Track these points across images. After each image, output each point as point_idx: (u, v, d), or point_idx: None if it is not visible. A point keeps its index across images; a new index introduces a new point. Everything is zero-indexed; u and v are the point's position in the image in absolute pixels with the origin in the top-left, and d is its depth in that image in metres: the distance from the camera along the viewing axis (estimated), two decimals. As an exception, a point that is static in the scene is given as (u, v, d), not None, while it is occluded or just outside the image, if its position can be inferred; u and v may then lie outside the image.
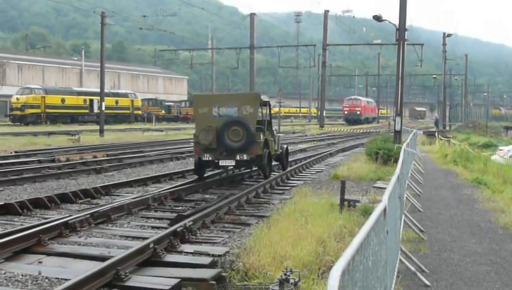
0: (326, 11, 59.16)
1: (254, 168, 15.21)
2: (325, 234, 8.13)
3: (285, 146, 17.01)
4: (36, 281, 6.11)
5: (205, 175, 14.68)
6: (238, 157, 13.40)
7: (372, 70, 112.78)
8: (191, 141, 33.39)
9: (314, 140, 36.27)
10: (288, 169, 16.82)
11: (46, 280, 6.12)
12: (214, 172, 15.55)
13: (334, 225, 8.78)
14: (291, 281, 5.63)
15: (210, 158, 13.52)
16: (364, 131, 52.02)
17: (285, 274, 5.67)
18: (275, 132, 15.93)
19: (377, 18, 24.12)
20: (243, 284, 6.58)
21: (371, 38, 64.15)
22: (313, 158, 21.31)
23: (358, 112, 79.93)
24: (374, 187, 14.13)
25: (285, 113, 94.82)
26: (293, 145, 30.54)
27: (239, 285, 6.54)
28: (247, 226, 9.21)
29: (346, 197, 10.67)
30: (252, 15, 57.47)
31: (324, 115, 59.31)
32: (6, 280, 6.15)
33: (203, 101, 14.12)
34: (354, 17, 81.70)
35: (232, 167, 14.56)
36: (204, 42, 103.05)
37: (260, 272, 6.73)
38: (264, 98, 14.40)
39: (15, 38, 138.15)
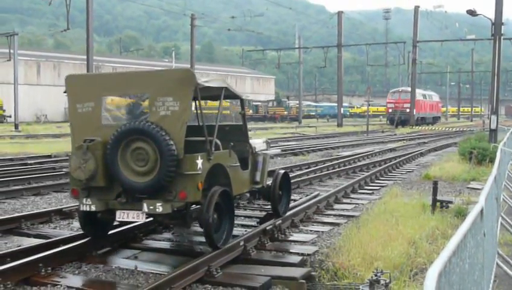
0: (417, 7, 57.83)
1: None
2: (417, 236, 7.96)
3: (281, 172, 9.24)
4: (132, 274, 6.36)
5: None
6: (146, 208, 6.48)
7: (465, 67, 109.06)
8: (277, 140, 33.85)
9: (404, 139, 35.51)
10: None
11: (142, 274, 6.36)
12: None
13: (426, 226, 8.57)
14: (382, 282, 5.57)
15: (94, 207, 6.69)
16: (457, 130, 50.31)
17: (376, 275, 5.61)
18: (257, 147, 8.73)
19: (471, 12, 23.27)
20: (333, 283, 6.56)
21: (464, 34, 61.96)
22: (403, 158, 20.87)
23: (407, 110, 58.55)
24: (468, 188, 13.64)
25: (373, 112, 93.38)
26: (382, 145, 30.07)
27: (328, 285, 6.53)
28: (336, 226, 9.16)
29: (438, 197, 10.38)
30: (340, 13, 57.11)
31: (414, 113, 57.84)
32: (105, 272, 6.45)
33: (85, 88, 7.08)
34: (445, 12, 79.21)
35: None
36: (291, 41, 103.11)
37: (350, 272, 6.69)
38: (213, 82, 7.30)
39: (110, 42, 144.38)
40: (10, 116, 49.07)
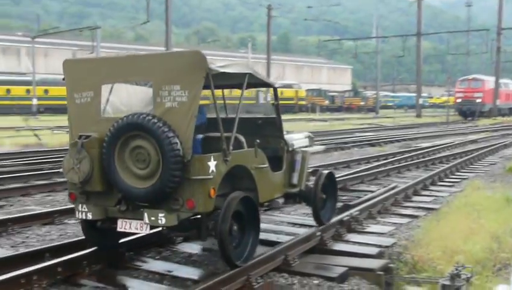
0: (502, -7, 55.49)
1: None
2: (500, 230, 7.71)
3: (324, 173, 7.74)
4: (211, 261, 6.49)
5: None
6: (146, 219, 5.52)
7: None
8: (353, 131, 33.52)
9: (486, 130, 34.30)
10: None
11: (220, 262, 6.45)
12: None
13: (510, 220, 8.27)
14: (463, 276, 5.42)
15: (91, 215, 5.82)
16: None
17: (457, 269, 5.47)
18: (296, 144, 7.47)
19: (561, -3, 22.06)
20: (411, 276, 6.46)
21: (553, 20, 58.86)
22: (485, 150, 20.16)
23: (478, 100, 52.29)
24: (556, 181, 13.04)
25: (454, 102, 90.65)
26: (463, 136, 29.20)
27: (407, 277, 6.43)
28: (415, 218, 8.99)
29: (523, 191, 9.98)
30: (419, 1, 55.66)
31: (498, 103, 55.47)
32: (184, 259, 6.62)
33: (83, 75, 6.03)
34: (533, -3, 75.50)
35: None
36: (368, 31, 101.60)
37: (429, 266, 6.57)
38: (231, 67, 5.97)
39: (187, 34, 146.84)
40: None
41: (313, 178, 7.69)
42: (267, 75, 41.92)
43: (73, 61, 6.23)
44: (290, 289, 5.78)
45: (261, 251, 6.52)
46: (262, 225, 8.26)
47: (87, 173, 5.62)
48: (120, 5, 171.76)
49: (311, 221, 8.58)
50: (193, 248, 7.04)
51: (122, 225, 5.74)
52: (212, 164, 5.46)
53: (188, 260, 6.58)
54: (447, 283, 5.37)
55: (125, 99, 6.28)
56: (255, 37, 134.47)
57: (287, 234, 7.73)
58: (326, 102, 75.57)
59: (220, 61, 5.80)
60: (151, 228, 5.67)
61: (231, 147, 5.74)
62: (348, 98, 79.19)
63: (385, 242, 7.39)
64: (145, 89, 6.13)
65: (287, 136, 7.32)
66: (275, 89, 7.15)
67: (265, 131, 7.23)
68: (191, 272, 6.06)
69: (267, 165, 6.49)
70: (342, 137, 27.36)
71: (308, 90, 75.38)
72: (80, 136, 5.71)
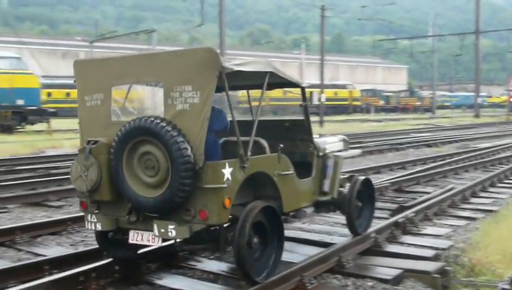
0: None
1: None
2: None
3: (360, 179, 7.11)
4: (264, 262, 6.49)
5: None
6: (156, 231, 5.08)
7: None
8: (409, 131, 32.96)
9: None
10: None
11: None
12: None
13: None
14: (524, 281, 5.27)
15: (100, 226, 5.45)
16: None
17: (517, 273, 5.33)
18: (328, 148, 6.95)
19: None
20: (469, 280, 6.30)
21: None
22: (548, 150, 19.52)
23: None
24: None
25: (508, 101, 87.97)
26: (524, 136, 28.33)
27: (464, 281, 6.28)
28: (473, 221, 8.78)
29: None
30: (477, -2, 54.31)
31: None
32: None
33: (93, 76, 5.71)
34: None
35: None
36: (424, 29, 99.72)
37: (488, 269, 6.39)
38: (249, 66, 5.52)
39: (241, 36, 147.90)
40: (150, 109, 51.89)
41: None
42: (320, 76, 41.65)
43: (83, 61, 5.95)
44: (343, 290, 5.74)
45: (315, 251, 6.53)
46: (317, 226, 8.31)
47: (95, 181, 5.25)
48: (175, 8, 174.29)
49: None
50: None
51: (134, 237, 5.36)
52: (227, 171, 4.98)
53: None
54: (507, 287, 5.26)
55: (136, 101, 5.90)
56: (309, 38, 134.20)
57: (341, 235, 7.68)
58: (381, 102, 74.67)
59: (236, 60, 5.46)
60: (164, 240, 5.23)
61: (249, 153, 5.23)
62: (403, 98, 78.04)
63: (441, 244, 7.24)
64: (157, 90, 5.66)
65: (318, 140, 6.84)
66: (303, 89, 6.60)
67: (293, 134, 6.81)
68: (244, 272, 6.09)
69: (292, 171, 5.97)
70: (397, 138, 26.99)
71: (362, 90, 74.65)
72: (88, 142, 5.35)
